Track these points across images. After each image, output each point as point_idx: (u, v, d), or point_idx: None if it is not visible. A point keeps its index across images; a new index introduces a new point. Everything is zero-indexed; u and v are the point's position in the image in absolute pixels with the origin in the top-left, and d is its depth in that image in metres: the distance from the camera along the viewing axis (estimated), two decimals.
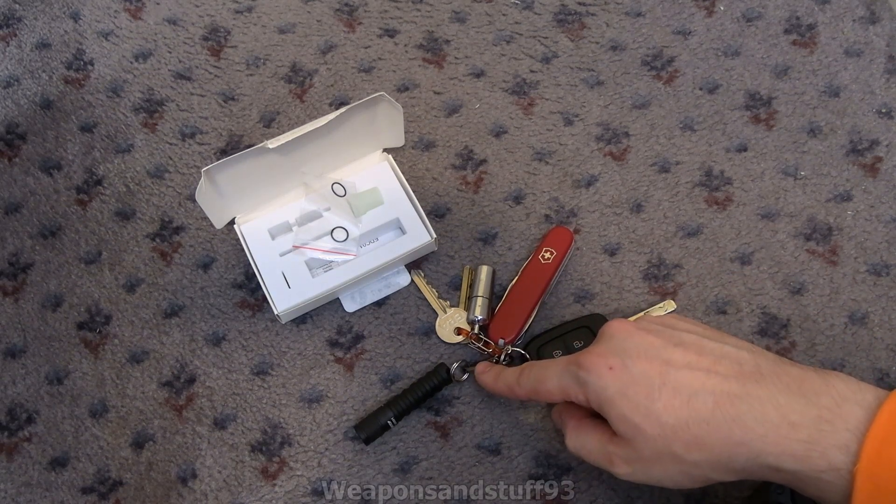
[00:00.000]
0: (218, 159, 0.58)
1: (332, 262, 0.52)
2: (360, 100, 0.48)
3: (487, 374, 0.48)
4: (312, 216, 0.53)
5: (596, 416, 0.40)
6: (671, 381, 0.36)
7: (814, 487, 0.34)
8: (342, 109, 0.48)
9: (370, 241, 0.53)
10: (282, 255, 0.52)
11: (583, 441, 0.40)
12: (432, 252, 0.54)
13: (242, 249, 0.53)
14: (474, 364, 0.51)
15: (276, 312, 0.50)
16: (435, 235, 0.52)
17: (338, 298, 0.53)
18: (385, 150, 0.55)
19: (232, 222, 0.52)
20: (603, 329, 0.40)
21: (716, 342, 0.38)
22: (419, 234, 0.52)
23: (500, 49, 0.62)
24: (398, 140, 0.55)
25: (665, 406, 0.36)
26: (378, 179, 0.54)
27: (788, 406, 0.34)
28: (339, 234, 0.52)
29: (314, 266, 0.52)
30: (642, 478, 0.38)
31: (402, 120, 0.52)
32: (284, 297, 0.50)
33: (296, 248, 0.51)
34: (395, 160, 0.55)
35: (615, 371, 0.37)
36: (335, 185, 0.52)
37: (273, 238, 0.52)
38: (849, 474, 0.32)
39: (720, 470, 0.36)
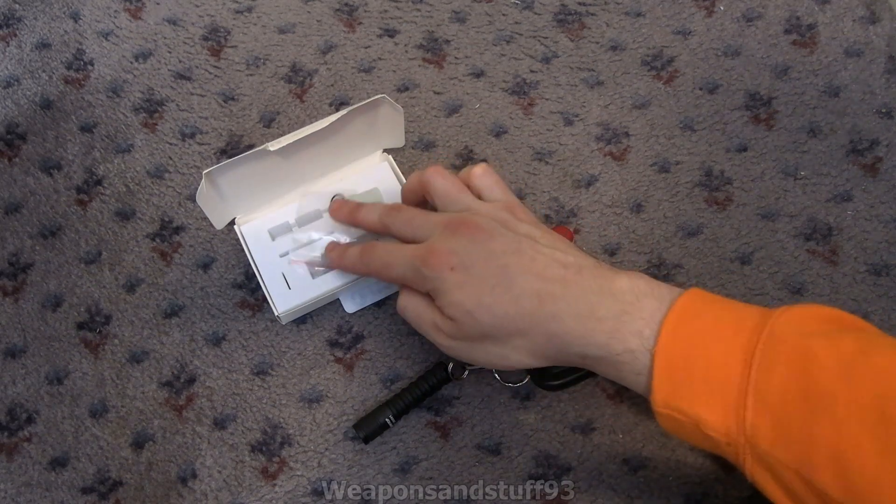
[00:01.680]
0: (218, 159, 0.58)
1: None
2: (360, 100, 0.48)
3: (333, 252, 0.50)
4: (313, 216, 0.52)
5: None
6: (504, 283, 0.40)
7: (613, 369, 0.39)
8: (343, 112, 0.48)
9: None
10: (282, 255, 0.52)
11: (414, 307, 0.44)
12: None
13: (242, 249, 0.53)
14: (472, 363, 0.51)
15: (276, 314, 0.50)
16: None
17: (338, 299, 0.53)
18: (385, 150, 0.55)
19: (232, 223, 0.52)
20: (453, 220, 0.43)
21: (548, 247, 0.42)
22: None
23: (500, 49, 0.62)
24: (399, 141, 0.55)
25: (494, 300, 0.40)
26: (378, 180, 0.54)
27: (597, 303, 0.39)
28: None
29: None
30: (462, 354, 0.43)
31: (402, 122, 0.52)
32: (285, 299, 0.50)
33: (294, 262, 0.51)
34: (395, 160, 0.55)
35: (455, 270, 0.41)
36: (336, 198, 0.52)
37: (273, 239, 0.52)
38: (642, 355, 0.38)
39: (534, 356, 0.41)
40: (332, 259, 0.50)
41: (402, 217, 0.46)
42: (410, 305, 0.45)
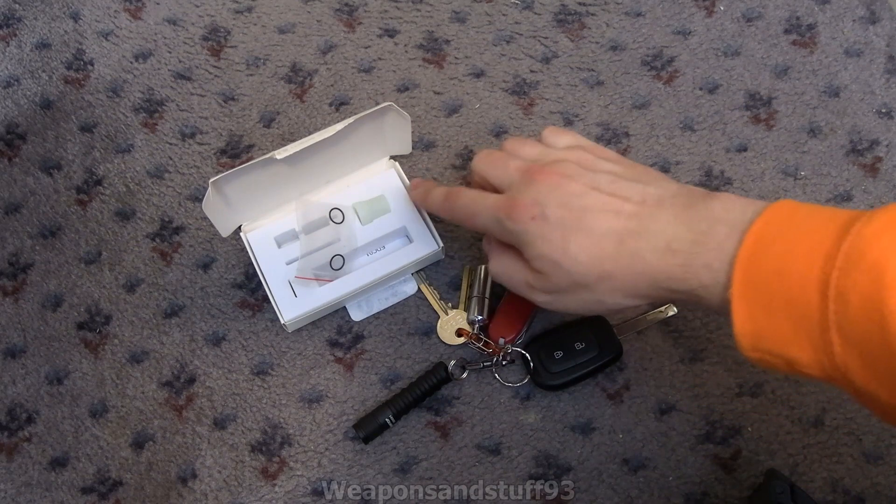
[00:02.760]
0: (218, 159, 0.58)
1: (339, 270, 0.51)
2: (361, 101, 0.48)
3: (418, 190, 0.51)
4: (318, 224, 0.52)
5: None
6: (584, 226, 0.40)
7: (698, 302, 0.38)
8: (350, 119, 0.48)
9: (377, 250, 0.53)
10: (288, 263, 0.51)
11: (506, 268, 0.44)
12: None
13: (242, 249, 0.53)
14: (473, 363, 0.51)
15: (283, 322, 0.50)
16: (442, 244, 0.52)
17: (344, 306, 0.53)
18: (392, 157, 0.55)
19: (238, 230, 0.52)
20: (532, 168, 0.43)
21: (628, 181, 0.41)
22: (426, 243, 0.52)
23: (500, 49, 0.62)
24: (406, 148, 0.55)
25: (578, 246, 0.40)
26: (385, 187, 0.54)
27: (673, 235, 0.38)
28: (337, 262, 0.51)
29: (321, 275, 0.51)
30: (559, 306, 0.43)
31: (409, 129, 0.52)
32: (291, 306, 0.50)
33: (298, 278, 0.51)
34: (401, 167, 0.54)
35: (536, 220, 0.41)
36: (333, 212, 0.52)
37: (279, 246, 0.52)
38: (716, 289, 0.36)
39: (629, 296, 0.40)
40: (416, 196, 0.51)
41: (490, 158, 0.46)
42: (502, 269, 0.44)
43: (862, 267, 0.31)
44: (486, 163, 0.46)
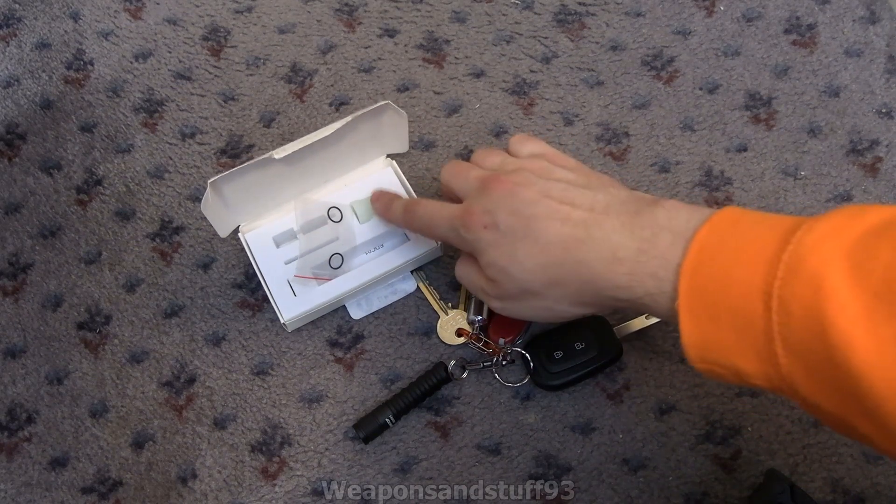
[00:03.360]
0: (218, 159, 0.58)
1: (338, 269, 0.51)
2: (361, 101, 0.48)
3: (378, 202, 0.52)
4: (316, 223, 0.52)
5: None
6: (532, 233, 0.40)
7: (645, 309, 0.38)
8: (348, 118, 0.48)
9: (376, 248, 0.53)
10: (287, 262, 0.51)
11: (467, 274, 0.45)
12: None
13: (242, 249, 0.53)
14: (473, 363, 0.51)
15: (282, 321, 0.50)
16: (440, 242, 0.52)
17: (343, 305, 0.53)
18: (389, 155, 0.55)
19: (236, 230, 0.52)
20: (487, 178, 0.43)
21: (580, 188, 0.41)
22: (424, 240, 0.52)
23: (500, 49, 0.62)
24: (402, 147, 0.55)
25: (525, 253, 0.40)
26: (382, 186, 0.54)
27: (619, 243, 0.38)
28: (336, 261, 0.51)
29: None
30: (512, 313, 0.44)
31: (406, 127, 0.52)
32: (291, 306, 0.50)
33: (298, 277, 0.51)
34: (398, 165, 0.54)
35: (488, 229, 0.41)
36: (332, 210, 0.52)
37: (278, 246, 0.52)
38: (662, 298, 0.36)
39: (575, 304, 0.41)
40: (378, 209, 0.51)
41: (454, 168, 0.47)
42: (463, 274, 0.46)
43: (802, 276, 0.31)
44: (450, 174, 0.47)
